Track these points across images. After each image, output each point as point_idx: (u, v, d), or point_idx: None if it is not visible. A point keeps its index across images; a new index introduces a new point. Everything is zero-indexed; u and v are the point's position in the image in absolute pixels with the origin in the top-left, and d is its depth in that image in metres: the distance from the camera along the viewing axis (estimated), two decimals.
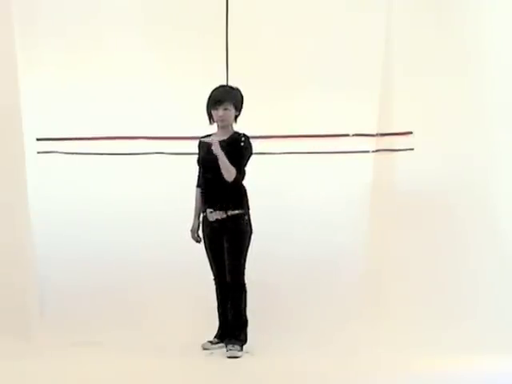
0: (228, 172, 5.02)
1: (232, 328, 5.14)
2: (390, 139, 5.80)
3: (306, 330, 5.48)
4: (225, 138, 5.12)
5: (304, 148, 5.73)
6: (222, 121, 5.13)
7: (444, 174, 5.68)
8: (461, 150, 5.66)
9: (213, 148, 5.01)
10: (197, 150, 5.26)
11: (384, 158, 5.81)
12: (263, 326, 5.33)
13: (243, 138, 5.10)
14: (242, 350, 5.07)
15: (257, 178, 5.22)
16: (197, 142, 5.27)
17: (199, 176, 5.26)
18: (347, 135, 5.78)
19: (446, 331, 5.35)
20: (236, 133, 5.15)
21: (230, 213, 5.10)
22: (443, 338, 5.26)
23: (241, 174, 5.10)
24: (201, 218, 5.25)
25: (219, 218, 5.13)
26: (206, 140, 5.15)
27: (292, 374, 4.67)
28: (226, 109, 5.09)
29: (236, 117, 5.17)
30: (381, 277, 5.71)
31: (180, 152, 5.65)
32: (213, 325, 5.29)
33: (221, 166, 5.01)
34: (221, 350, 5.15)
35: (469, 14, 5.68)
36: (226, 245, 5.13)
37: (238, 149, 5.06)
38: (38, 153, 5.74)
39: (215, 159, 5.02)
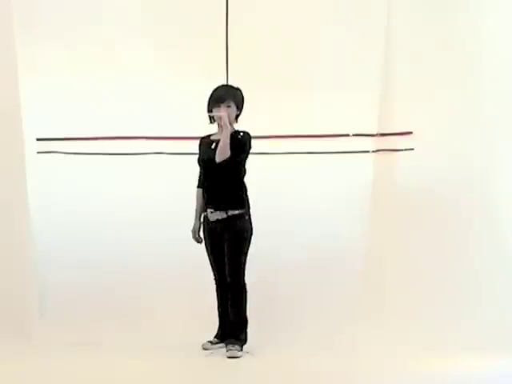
0: (223, 152, 4.99)
1: (232, 328, 5.14)
2: (390, 139, 5.80)
3: (306, 330, 5.48)
4: None
5: (304, 148, 5.73)
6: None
7: (444, 174, 5.68)
8: (461, 149, 5.67)
9: (222, 120, 4.99)
10: (197, 150, 5.26)
11: (384, 158, 5.81)
12: (263, 326, 5.33)
13: (241, 133, 5.10)
14: (241, 350, 5.06)
15: (257, 178, 5.22)
16: (197, 142, 5.27)
17: (200, 176, 5.26)
18: (347, 135, 5.78)
19: (446, 331, 5.35)
20: (236, 131, 5.14)
21: (230, 213, 5.10)
22: (444, 338, 5.26)
23: (242, 171, 5.11)
24: (202, 219, 5.25)
25: (220, 218, 5.12)
26: (213, 138, 5.16)
27: (292, 374, 4.66)
28: (228, 106, 5.09)
29: (237, 116, 5.17)
30: (381, 277, 5.71)
31: (180, 152, 5.65)
32: (213, 325, 5.29)
33: (220, 142, 4.99)
34: (221, 350, 5.14)
35: (469, 13, 5.69)
36: (226, 245, 5.12)
37: (237, 143, 5.04)
38: (38, 153, 5.75)
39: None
